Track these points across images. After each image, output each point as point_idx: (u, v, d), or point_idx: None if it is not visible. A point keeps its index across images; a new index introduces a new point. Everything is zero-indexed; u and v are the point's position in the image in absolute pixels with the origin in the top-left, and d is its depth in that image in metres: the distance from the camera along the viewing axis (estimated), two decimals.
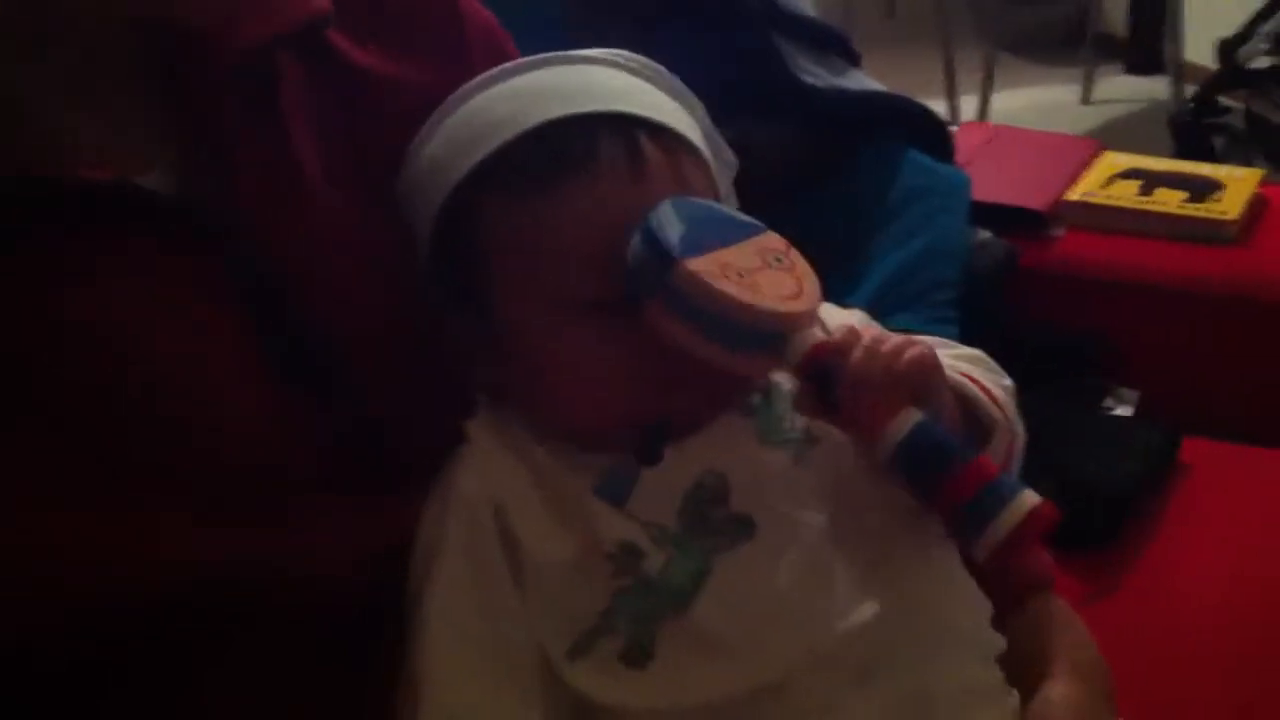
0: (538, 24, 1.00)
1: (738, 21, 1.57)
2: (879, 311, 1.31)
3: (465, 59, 0.92)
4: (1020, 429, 0.85)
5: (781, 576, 0.80)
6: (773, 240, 0.81)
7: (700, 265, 0.76)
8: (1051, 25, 4.44)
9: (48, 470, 0.75)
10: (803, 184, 1.60)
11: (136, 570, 0.76)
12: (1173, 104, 3.63)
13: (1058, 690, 0.86)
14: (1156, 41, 4.00)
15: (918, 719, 0.80)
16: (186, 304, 0.79)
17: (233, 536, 0.78)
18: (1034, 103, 4.01)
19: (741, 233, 0.80)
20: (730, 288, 0.76)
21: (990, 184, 1.77)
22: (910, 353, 0.77)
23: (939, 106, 3.62)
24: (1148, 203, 1.78)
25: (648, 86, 0.87)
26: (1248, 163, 2.94)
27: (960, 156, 1.75)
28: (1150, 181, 1.81)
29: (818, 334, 0.78)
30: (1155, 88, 3.95)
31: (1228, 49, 3.31)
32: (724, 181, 0.90)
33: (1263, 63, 3.25)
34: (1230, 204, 1.75)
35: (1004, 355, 0.91)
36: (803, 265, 0.80)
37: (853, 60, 1.72)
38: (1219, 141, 3.28)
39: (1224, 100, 3.35)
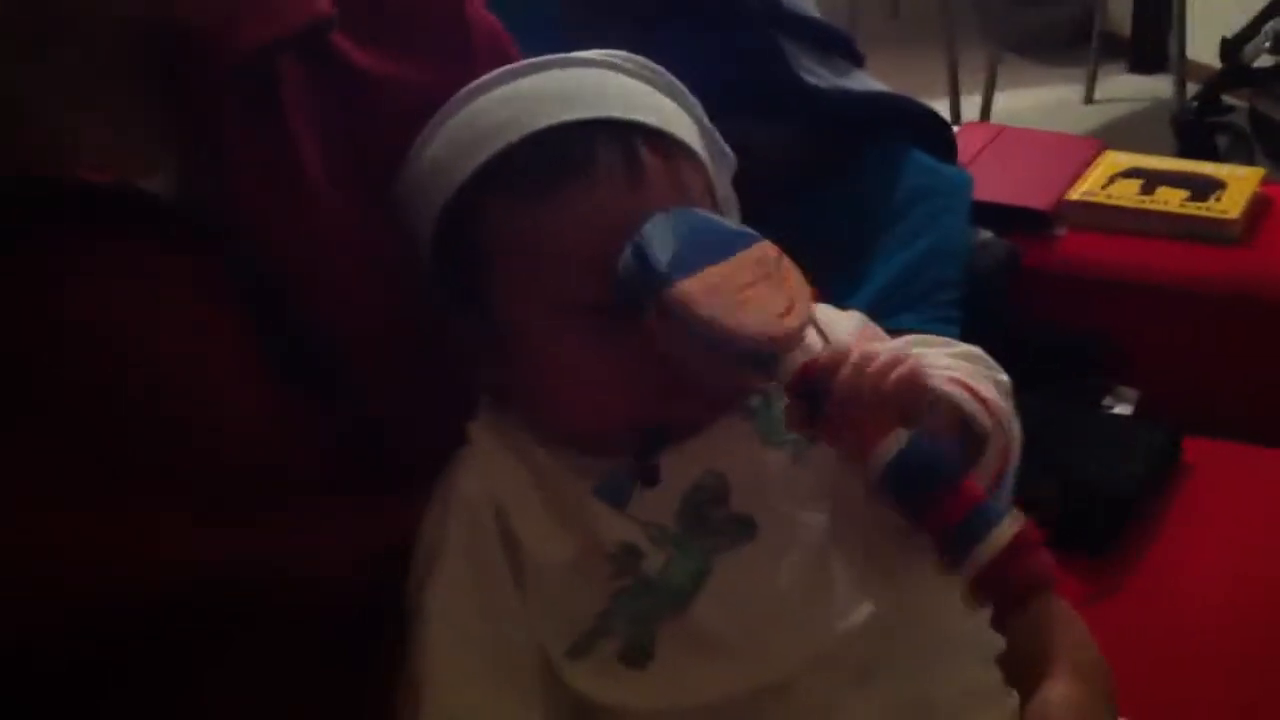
0: (538, 24, 1.00)
1: (738, 21, 1.57)
2: (883, 312, 1.31)
3: (467, 61, 0.92)
4: (1016, 432, 0.84)
5: (781, 577, 0.80)
6: (766, 251, 0.80)
7: (688, 288, 0.76)
8: (1056, 25, 4.44)
9: (48, 470, 0.75)
10: (806, 184, 1.60)
11: (136, 570, 0.76)
12: (1176, 103, 3.63)
13: (1057, 690, 0.86)
14: (1160, 40, 4.00)
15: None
16: (187, 304, 0.79)
17: (233, 536, 0.78)
18: (1037, 102, 4.01)
19: (735, 245, 0.79)
20: (717, 311, 0.75)
21: (992, 184, 1.77)
22: (897, 371, 0.76)
23: (942, 106, 3.62)
24: (1149, 202, 1.77)
25: (646, 89, 0.88)
26: (1251, 161, 2.95)
27: (963, 156, 1.75)
28: (1151, 181, 1.81)
29: (808, 351, 0.78)
30: (1159, 87, 3.94)
31: (1231, 48, 3.30)
32: (723, 182, 0.90)
33: (1266, 61, 3.25)
34: (1231, 203, 1.74)
35: (1006, 355, 0.90)
36: (795, 277, 0.80)
37: (856, 61, 1.72)
38: (1222, 140, 3.27)
39: (1227, 99, 3.34)
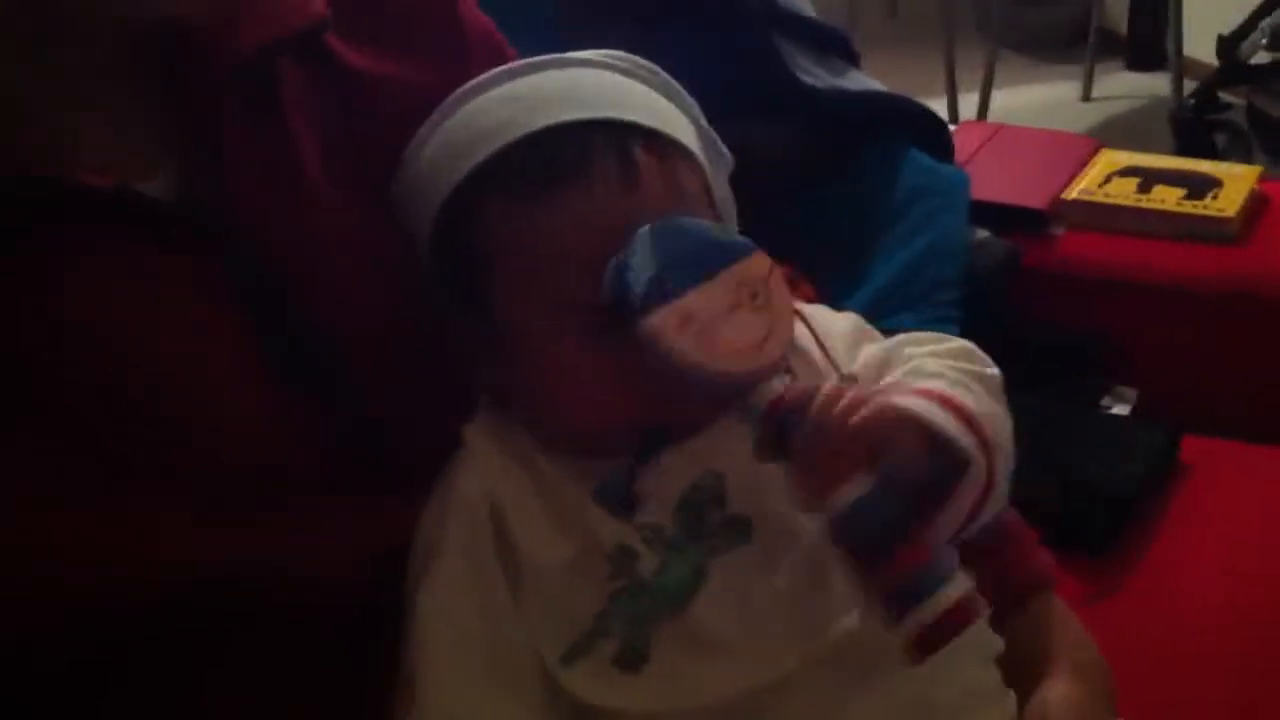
0: (534, 25, 1.00)
1: (737, 22, 1.57)
2: (882, 312, 1.32)
3: (464, 60, 0.92)
4: (1006, 440, 0.83)
5: (778, 578, 0.80)
6: (756, 266, 0.79)
7: (658, 322, 0.75)
8: (1053, 24, 4.44)
9: (48, 470, 0.75)
10: (805, 185, 1.60)
11: (136, 570, 0.76)
12: (1173, 101, 3.63)
13: (1056, 690, 0.86)
14: (1158, 38, 4.00)
15: None
16: (187, 304, 0.79)
17: (233, 536, 0.78)
18: (1035, 101, 4.01)
19: (722, 260, 0.78)
20: (686, 345, 0.75)
21: (990, 183, 1.77)
22: (861, 414, 0.75)
23: (940, 105, 3.63)
24: (1146, 201, 1.77)
25: (643, 89, 0.87)
26: (1249, 159, 2.95)
27: (960, 155, 1.75)
28: (1148, 179, 1.81)
29: (781, 383, 0.77)
30: (1156, 84, 3.95)
31: (1228, 45, 3.31)
32: (720, 182, 0.90)
33: (1263, 58, 3.25)
34: (1229, 201, 1.74)
35: (1005, 355, 0.90)
36: (781, 298, 0.79)
37: (853, 60, 1.72)
38: (1220, 138, 3.28)
39: (1225, 96, 3.35)
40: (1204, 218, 1.73)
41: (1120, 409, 1.61)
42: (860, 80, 1.69)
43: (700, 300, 0.76)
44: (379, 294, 0.85)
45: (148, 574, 0.76)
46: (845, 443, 0.74)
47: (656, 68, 0.89)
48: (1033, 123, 2.93)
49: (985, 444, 0.80)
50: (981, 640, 0.85)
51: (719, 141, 0.91)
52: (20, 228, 0.75)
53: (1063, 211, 1.79)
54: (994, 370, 0.88)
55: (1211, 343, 1.68)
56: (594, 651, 0.79)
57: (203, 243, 0.80)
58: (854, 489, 0.74)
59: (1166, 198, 1.77)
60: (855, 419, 0.75)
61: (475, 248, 0.83)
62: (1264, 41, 3.21)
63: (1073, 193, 1.81)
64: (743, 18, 1.58)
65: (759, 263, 0.79)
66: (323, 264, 0.84)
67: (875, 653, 0.78)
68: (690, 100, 0.90)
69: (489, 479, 0.83)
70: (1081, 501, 1.42)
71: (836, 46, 1.70)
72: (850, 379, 0.84)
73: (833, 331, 0.90)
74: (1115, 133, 3.65)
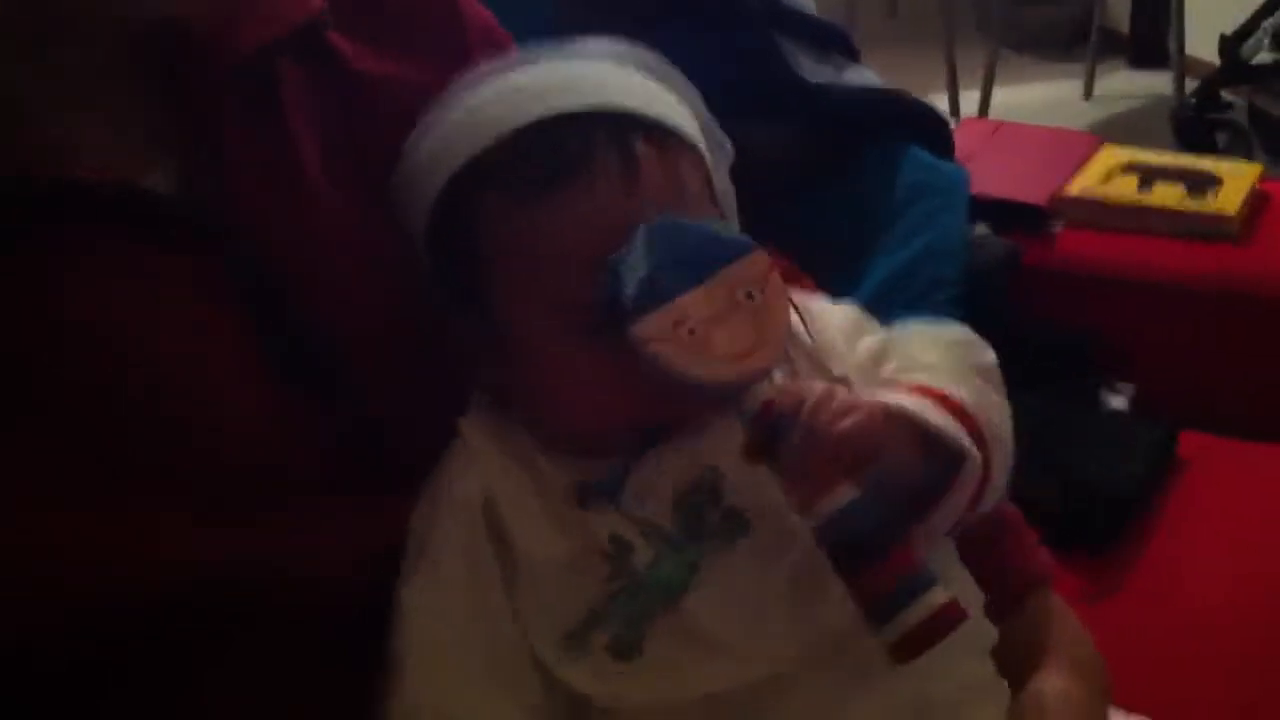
0: (536, 25, 1.00)
1: (738, 21, 1.57)
2: (880, 309, 1.31)
3: (465, 59, 0.91)
4: (1004, 431, 0.84)
5: (775, 573, 0.79)
6: (753, 266, 0.78)
7: (645, 329, 0.75)
8: (1055, 23, 4.44)
9: (48, 470, 0.75)
10: (805, 183, 1.60)
11: (136, 570, 0.76)
12: (1175, 99, 3.63)
13: (1050, 683, 0.86)
14: (1159, 37, 4.00)
15: (915, 717, 0.80)
16: (187, 304, 0.79)
17: (233, 536, 0.78)
18: (1036, 99, 4.01)
19: (718, 259, 0.77)
20: (672, 353, 0.75)
21: (990, 179, 1.77)
22: (852, 419, 0.75)
23: (941, 103, 3.63)
24: (1146, 198, 1.77)
25: (644, 79, 0.86)
26: (1250, 158, 2.95)
27: (961, 152, 1.75)
28: (1149, 176, 1.81)
29: (774, 384, 0.77)
30: (1158, 83, 3.95)
31: (1230, 44, 3.31)
32: (721, 174, 0.89)
33: (1265, 58, 3.25)
34: (1229, 200, 1.74)
35: (1004, 353, 0.90)
36: (777, 299, 0.78)
37: (853, 56, 1.72)
38: (1221, 137, 3.28)
39: (1226, 95, 3.35)
40: (1204, 215, 1.73)
41: (1118, 405, 1.61)
42: (861, 75, 1.69)
43: (691, 304, 0.76)
44: (379, 294, 0.85)
45: (148, 574, 0.76)
46: (835, 448, 0.74)
47: (661, 58, 0.89)
48: (1034, 121, 2.93)
49: (981, 439, 0.80)
50: (977, 633, 0.86)
51: (721, 134, 0.90)
52: (20, 228, 0.75)
53: (1063, 208, 1.79)
54: (991, 357, 0.88)
55: (1210, 341, 1.68)
56: (589, 643, 0.79)
57: (203, 243, 0.80)
58: (843, 494, 0.74)
59: (1167, 195, 1.77)
60: (846, 424, 0.75)
61: (472, 244, 0.83)
62: (1266, 41, 3.21)
63: (1073, 189, 1.81)
64: (743, 17, 1.58)
65: (757, 261, 0.78)
66: (323, 264, 0.83)
67: (873, 649, 0.77)
68: (692, 90, 0.89)
69: (484, 476, 0.82)
70: (1081, 500, 1.42)
71: (836, 43, 1.70)
72: (843, 380, 0.83)
73: (831, 322, 0.90)
74: (1116, 131, 3.65)
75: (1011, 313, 1.68)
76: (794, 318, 0.85)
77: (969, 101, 3.83)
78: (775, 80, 1.59)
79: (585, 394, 0.81)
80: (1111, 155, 1.88)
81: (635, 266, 0.76)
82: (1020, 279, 1.72)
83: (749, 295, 0.77)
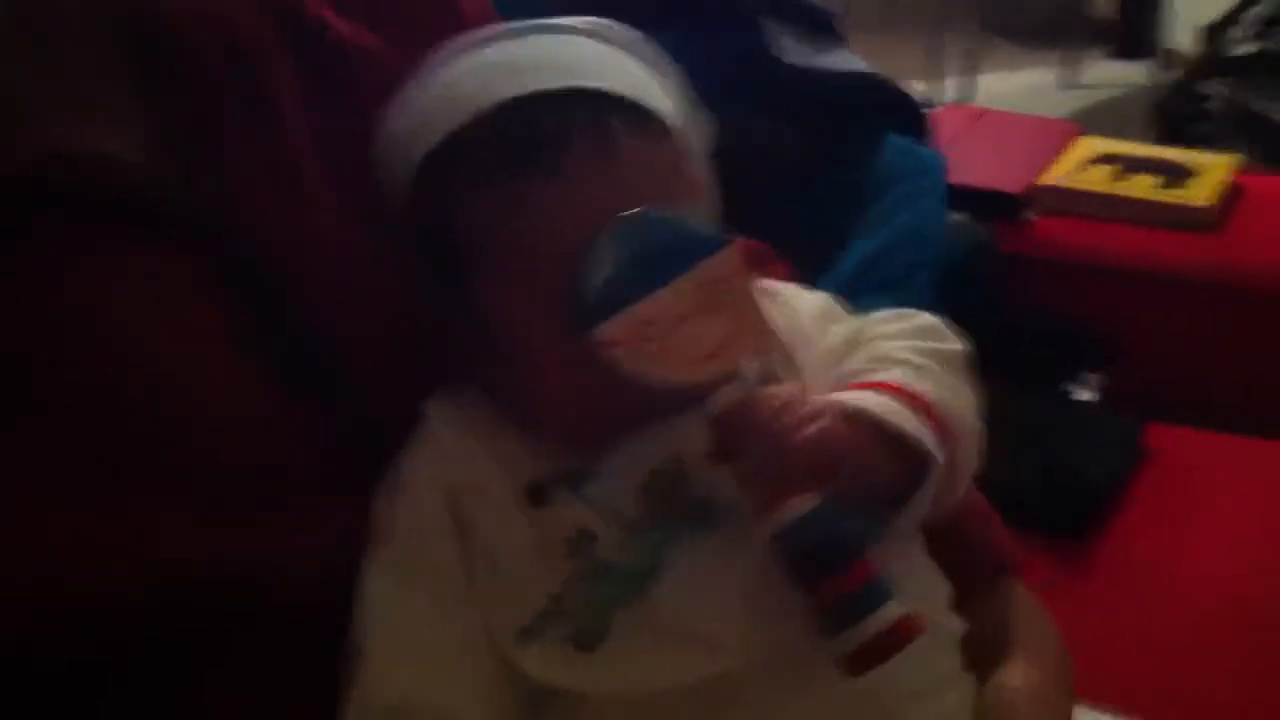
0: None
1: (736, 22, 1.57)
2: (854, 293, 1.31)
3: None
4: (970, 422, 0.83)
5: (741, 564, 0.78)
6: (724, 262, 0.76)
7: (611, 332, 0.73)
8: (1041, 11, 4.44)
9: (48, 470, 0.75)
10: (801, 171, 1.60)
11: (136, 570, 0.75)
12: (1157, 89, 3.63)
13: (1016, 674, 0.86)
14: (1145, 27, 4.00)
15: (880, 708, 0.79)
16: (186, 304, 0.79)
17: (233, 536, 0.78)
18: (1019, 86, 4.01)
19: (687, 258, 0.75)
20: (634, 358, 0.74)
21: (968, 166, 1.78)
22: (815, 427, 0.74)
23: (924, 89, 3.63)
24: (1121, 188, 1.78)
25: (623, 58, 0.84)
26: (1229, 149, 2.95)
27: (941, 138, 1.75)
28: (1125, 166, 1.82)
29: (740, 385, 0.75)
30: (1139, 73, 3.95)
31: (1212, 34, 3.31)
32: (700, 156, 0.87)
33: (1247, 49, 3.25)
34: (1203, 190, 1.75)
35: (977, 340, 0.90)
36: (748, 296, 0.77)
37: (838, 38, 1.72)
38: (1201, 127, 3.28)
39: (1207, 87, 3.35)
40: (1176, 206, 1.74)
41: (1087, 395, 1.62)
42: (844, 59, 1.69)
43: (657, 305, 0.74)
44: (379, 294, 0.84)
45: (148, 574, 0.75)
46: (796, 457, 0.73)
47: (643, 36, 0.87)
48: (1016, 108, 2.93)
49: (947, 433, 0.79)
50: (945, 625, 0.85)
51: (700, 114, 0.88)
52: (20, 228, 0.74)
53: (1039, 197, 1.80)
54: (960, 345, 0.87)
55: (1182, 329, 1.69)
56: (550, 632, 0.78)
57: (203, 243, 0.79)
58: (803, 504, 0.73)
59: (1141, 185, 1.78)
60: (808, 432, 0.74)
61: (447, 224, 0.81)
62: (1249, 32, 3.21)
63: (1049, 178, 1.81)
64: (742, 17, 1.58)
65: (727, 257, 0.76)
66: (323, 264, 0.83)
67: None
68: (673, 71, 0.87)
69: (448, 461, 0.81)
70: (1053, 490, 1.43)
71: (822, 25, 1.70)
72: (805, 374, 0.83)
73: (801, 310, 0.89)
74: (1098, 120, 3.65)
75: (989, 299, 1.69)
76: (768, 307, 0.84)
77: (952, 87, 3.83)
78: (766, 69, 1.59)
79: (560, 386, 0.79)
80: (1089, 145, 1.89)
81: (600, 267, 0.74)
82: (996, 266, 1.72)
83: (719, 292, 0.76)
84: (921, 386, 0.81)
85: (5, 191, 0.74)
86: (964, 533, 0.89)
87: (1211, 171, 1.79)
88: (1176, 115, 3.26)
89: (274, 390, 0.80)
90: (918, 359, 0.83)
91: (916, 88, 1.79)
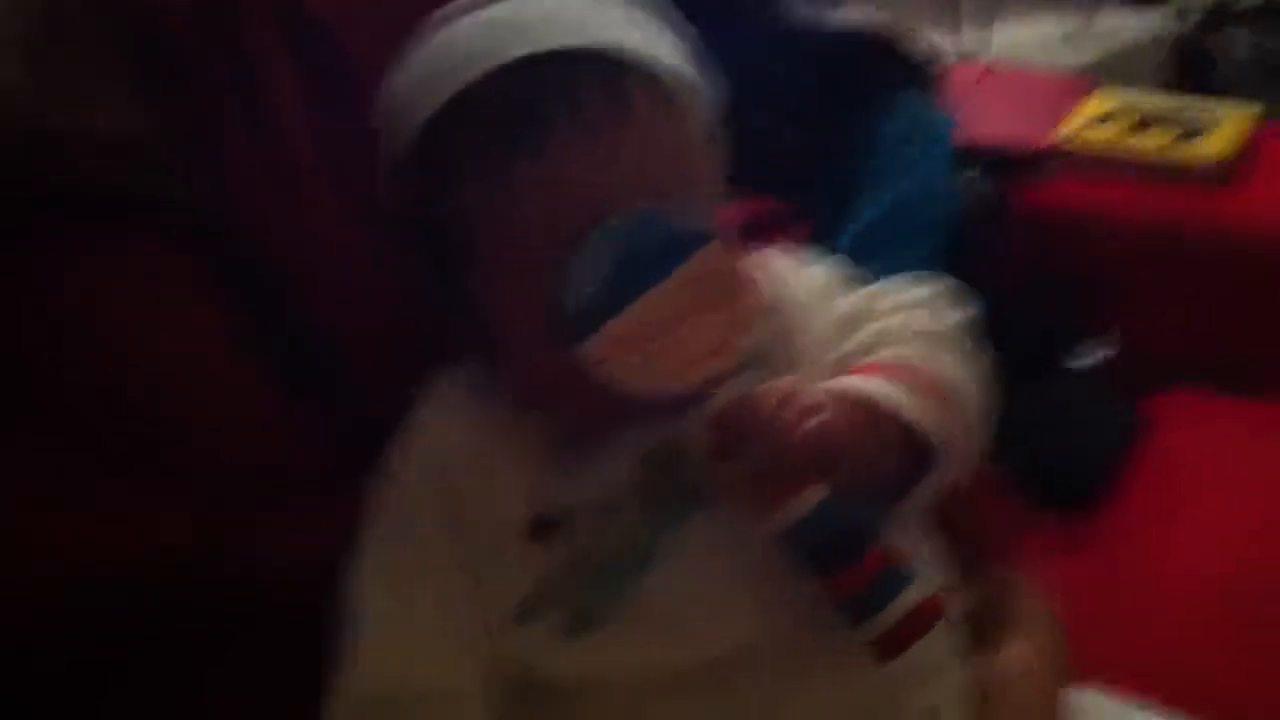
0: None
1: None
2: (862, 254, 1.30)
3: None
4: (978, 401, 0.82)
5: (734, 551, 0.77)
6: (712, 258, 0.74)
7: (598, 347, 0.72)
8: None
9: (48, 470, 0.75)
10: (814, 129, 1.59)
11: (137, 570, 0.76)
12: (1175, 35, 3.59)
13: (1012, 656, 0.86)
14: None
15: (877, 693, 0.79)
16: (186, 304, 0.79)
17: (233, 537, 0.78)
18: (1035, 36, 3.97)
19: (681, 254, 0.73)
20: (626, 367, 0.72)
21: (980, 123, 1.76)
22: (812, 422, 0.72)
23: (942, 39, 3.59)
24: (1136, 142, 1.76)
25: (631, 15, 0.80)
26: (1251, 93, 2.92)
27: (953, 95, 1.73)
28: (1141, 120, 1.79)
29: (737, 385, 0.74)
30: (1156, 21, 3.91)
31: None
32: (711, 116, 0.83)
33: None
34: (1218, 143, 1.72)
35: (984, 303, 0.89)
36: (740, 289, 0.75)
37: None
38: (1220, 73, 3.24)
39: (1222, 34, 3.31)
40: (1188, 160, 1.71)
41: (1092, 362, 1.60)
42: (851, 15, 1.68)
43: (642, 313, 0.72)
44: (379, 294, 0.84)
45: (148, 574, 0.76)
46: (799, 450, 0.72)
47: None
48: (1033, 57, 2.90)
49: (953, 419, 0.79)
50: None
51: (710, 74, 0.83)
52: (20, 227, 0.74)
53: (1052, 153, 1.78)
54: (965, 315, 0.85)
55: (1195, 288, 1.67)
56: (542, 617, 0.78)
57: (203, 242, 0.79)
58: (811, 497, 0.72)
59: (1158, 140, 1.75)
60: (810, 425, 0.73)
61: (449, 198, 0.77)
62: None
63: (1064, 134, 1.79)
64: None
65: (715, 251, 0.74)
66: (323, 264, 0.83)
67: (828, 625, 0.75)
68: (683, 26, 0.83)
69: (439, 439, 0.81)
70: (1055, 460, 1.43)
71: None
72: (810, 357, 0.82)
73: (805, 284, 0.88)
74: (1116, 68, 3.62)
75: (992, 259, 1.67)
76: (770, 281, 0.84)
77: (969, 38, 3.79)
78: (772, 22, 1.58)
79: (554, 385, 0.77)
80: (1103, 99, 1.86)
81: (582, 278, 0.72)
82: (1008, 223, 1.71)
83: (707, 288, 0.74)
84: (926, 367, 0.80)
85: (5, 191, 0.74)
86: (961, 514, 0.89)
87: (1228, 123, 1.76)
88: (1193, 63, 3.23)
89: (274, 390, 0.81)
90: (923, 333, 0.82)
91: (932, 40, 1.76)
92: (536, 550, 0.78)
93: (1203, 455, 1.49)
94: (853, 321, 0.85)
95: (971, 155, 1.71)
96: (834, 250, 1.02)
